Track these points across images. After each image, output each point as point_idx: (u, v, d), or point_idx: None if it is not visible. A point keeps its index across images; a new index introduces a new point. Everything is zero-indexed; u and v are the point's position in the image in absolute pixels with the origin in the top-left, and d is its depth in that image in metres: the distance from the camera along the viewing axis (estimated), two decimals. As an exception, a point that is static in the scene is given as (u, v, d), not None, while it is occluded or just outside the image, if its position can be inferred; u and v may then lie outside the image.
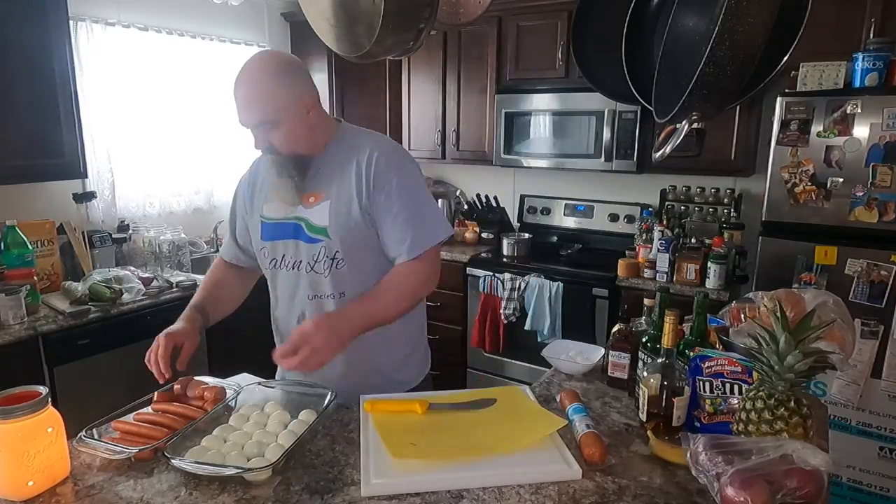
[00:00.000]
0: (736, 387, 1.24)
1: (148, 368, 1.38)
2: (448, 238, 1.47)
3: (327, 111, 4.28)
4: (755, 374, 1.16)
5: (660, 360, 1.28)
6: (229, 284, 1.65)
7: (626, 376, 1.52)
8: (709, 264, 2.77)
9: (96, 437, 1.21)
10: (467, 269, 3.39)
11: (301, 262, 1.46)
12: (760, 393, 1.09)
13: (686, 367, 1.29)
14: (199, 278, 2.81)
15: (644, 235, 3.05)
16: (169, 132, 3.24)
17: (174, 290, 2.65)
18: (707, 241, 2.88)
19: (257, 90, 1.33)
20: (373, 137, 1.49)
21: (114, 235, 2.92)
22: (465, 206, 3.92)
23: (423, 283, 1.45)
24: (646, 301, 1.61)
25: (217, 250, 3.43)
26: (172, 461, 1.10)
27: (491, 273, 3.26)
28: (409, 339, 1.57)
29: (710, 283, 2.77)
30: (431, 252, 1.43)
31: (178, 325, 1.44)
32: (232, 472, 1.09)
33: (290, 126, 1.37)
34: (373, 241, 1.43)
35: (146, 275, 2.69)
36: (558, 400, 1.38)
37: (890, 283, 2.28)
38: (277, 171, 1.43)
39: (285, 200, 1.44)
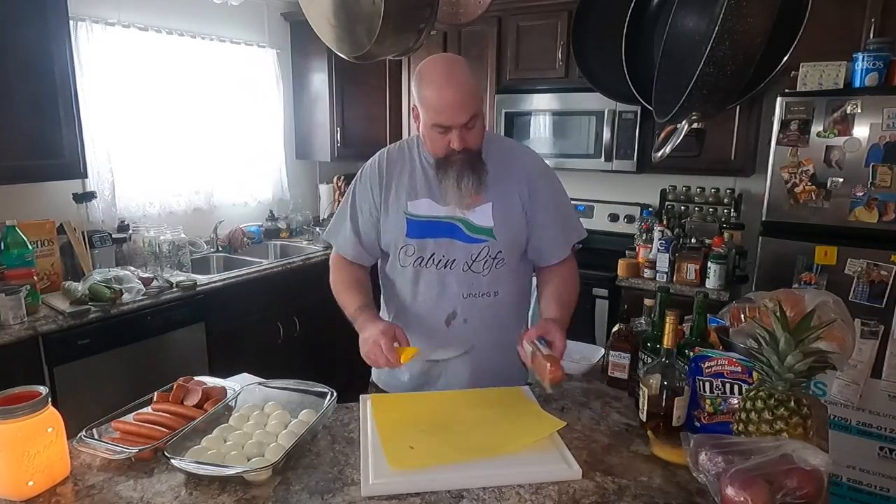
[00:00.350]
0: (736, 387, 1.24)
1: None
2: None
3: (328, 111, 4.26)
4: (755, 374, 1.16)
5: (660, 360, 1.28)
6: (362, 277, 1.63)
7: (626, 376, 1.52)
8: (709, 264, 2.77)
9: (96, 437, 1.21)
10: (467, 269, 3.39)
11: (455, 260, 1.49)
12: (760, 393, 1.09)
13: (686, 367, 1.29)
14: (200, 278, 2.81)
15: (644, 235, 3.05)
16: (169, 132, 3.24)
17: (174, 290, 2.65)
18: (707, 241, 2.88)
19: (466, 88, 1.38)
20: (514, 143, 1.65)
21: (114, 235, 2.92)
22: (466, 206, 3.92)
23: (578, 273, 1.59)
24: (646, 301, 1.62)
25: (217, 250, 3.43)
26: (172, 461, 1.10)
27: (491, 273, 3.26)
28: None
29: (710, 283, 2.77)
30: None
31: (378, 325, 1.41)
32: (232, 472, 1.09)
33: (482, 120, 1.45)
34: (525, 244, 1.54)
35: (146, 275, 2.69)
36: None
37: (890, 283, 2.28)
38: (458, 171, 1.42)
39: (462, 201, 1.45)
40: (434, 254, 1.50)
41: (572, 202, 1.64)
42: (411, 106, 1.47)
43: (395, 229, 1.52)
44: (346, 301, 1.55)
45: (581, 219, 3.53)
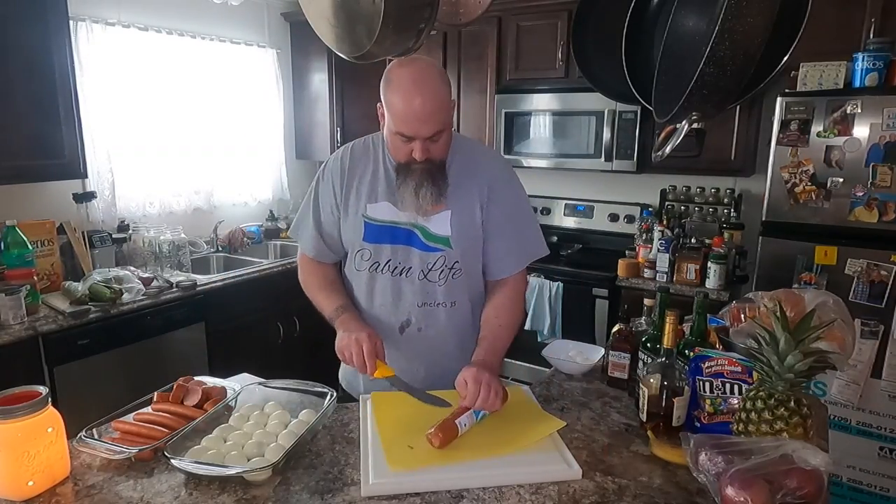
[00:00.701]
0: (736, 387, 1.24)
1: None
2: (545, 256, 1.54)
3: (328, 111, 4.25)
4: (755, 374, 1.16)
5: (660, 360, 1.28)
6: (336, 278, 1.59)
7: (626, 376, 1.52)
8: (709, 264, 2.77)
9: (96, 437, 1.21)
10: (467, 269, 3.39)
11: (411, 268, 1.45)
12: (760, 393, 1.09)
13: (686, 367, 1.29)
14: (200, 278, 2.81)
15: (644, 235, 3.05)
16: (169, 132, 3.24)
17: (174, 290, 2.65)
18: (707, 241, 2.88)
19: (438, 100, 1.31)
20: (483, 150, 1.58)
21: (114, 235, 2.92)
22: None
23: (523, 301, 1.55)
24: (646, 301, 1.62)
25: (217, 250, 3.43)
26: (172, 461, 1.10)
27: (491, 273, 3.26)
28: None
29: (710, 283, 2.77)
30: (525, 269, 1.53)
31: (360, 328, 1.38)
32: (232, 472, 1.09)
33: (448, 132, 1.39)
34: (481, 253, 1.49)
35: (146, 275, 2.69)
36: None
37: (890, 283, 2.28)
38: (418, 180, 1.37)
39: (420, 209, 1.39)
40: (390, 260, 1.46)
41: (535, 217, 1.55)
42: (377, 104, 1.41)
43: (353, 231, 1.48)
44: (322, 302, 1.51)
45: (581, 219, 3.61)
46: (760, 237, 2.55)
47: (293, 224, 1.61)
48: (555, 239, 3.65)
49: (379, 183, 1.46)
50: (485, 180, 1.45)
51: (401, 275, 1.46)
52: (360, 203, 1.47)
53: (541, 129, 3.32)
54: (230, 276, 2.95)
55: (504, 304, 1.48)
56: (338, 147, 3.74)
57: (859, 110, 2.28)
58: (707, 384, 1.26)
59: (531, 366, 3.21)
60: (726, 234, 2.86)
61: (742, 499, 0.92)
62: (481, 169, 1.47)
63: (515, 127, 3.38)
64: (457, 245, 1.44)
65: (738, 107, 2.73)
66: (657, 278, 2.89)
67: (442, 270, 1.45)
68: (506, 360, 3.22)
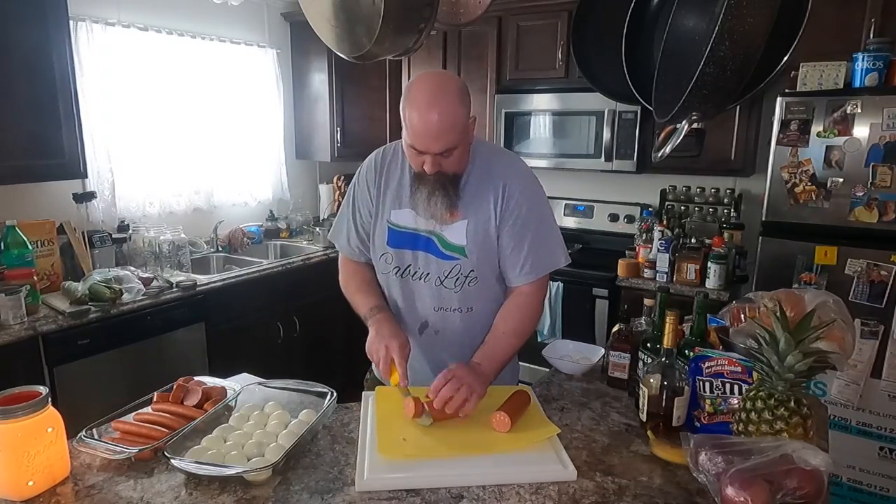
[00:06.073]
0: (736, 387, 1.24)
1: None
2: (566, 265, 1.51)
3: (328, 111, 4.24)
4: (755, 374, 1.16)
5: (660, 360, 1.28)
6: (375, 278, 1.59)
7: (626, 376, 1.52)
8: (709, 264, 2.77)
9: (96, 437, 1.21)
10: (467, 269, 3.38)
11: (430, 274, 1.48)
12: (760, 393, 1.09)
13: (686, 367, 1.29)
14: (200, 278, 2.81)
15: (644, 235, 3.05)
16: (169, 132, 3.24)
17: (174, 290, 2.65)
18: (707, 241, 2.88)
19: (451, 119, 1.30)
20: (505, 159, 1.52)
21: (114, 235, 2.92)
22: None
23: (536, 310, 1.50)
24: (646, 301, 1.62)
25: (217, 250, 3.43)
26: (172, 461, 1.10)
27: (491, 273, 3.26)
28: None
29: (710, 283, 2.77)
30: (545, 277, 1.49)
31: (392, 335, 1.39)
32: (232, 472, 1.09)
33: (462, 149, 1.37)
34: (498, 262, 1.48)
35: (146, 275, 2.69)
36: None
37: (890, 283, 2.28)
38: (430, 189, 1.38)
39: (435, 217, 1.41)
40: (410, 265, 1.49)
41: (554, 225, 1.52)
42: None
43: (380, 236, 1.52)
44: (359, 302, 1.54)
45: (581, 219, 3.61)
46: (760, 237, 2.55)
47: (332, 230, 1.64)
48: (555, 239, 3.65)
49: (403, 189, 1.48)
50: (500, 188, 1.43)
51: (420, 280, 1.49)
52: (387, 208, 1.50)
53: (541, 129, 3.32)
54: (230, 276, 2.95)
55: (511, 311, 1.47)
56: (338, 147, 3.80)
57: (859, 110, 2.29)
58: (707, 384, 1.26)
59: (531, 366, 3.20)
60: (726, 234, 2.86)
61: (742, 499, 0.92)
62: (497, 177, 1.45)
63: (515, 127, 3.38)
64: (472, 254, 1.44)
65: (738, 107, 2.73)
66: (657, 278, 2.89)
67: (458, 278, 1.46)
68: (506, 360, 3.28)
